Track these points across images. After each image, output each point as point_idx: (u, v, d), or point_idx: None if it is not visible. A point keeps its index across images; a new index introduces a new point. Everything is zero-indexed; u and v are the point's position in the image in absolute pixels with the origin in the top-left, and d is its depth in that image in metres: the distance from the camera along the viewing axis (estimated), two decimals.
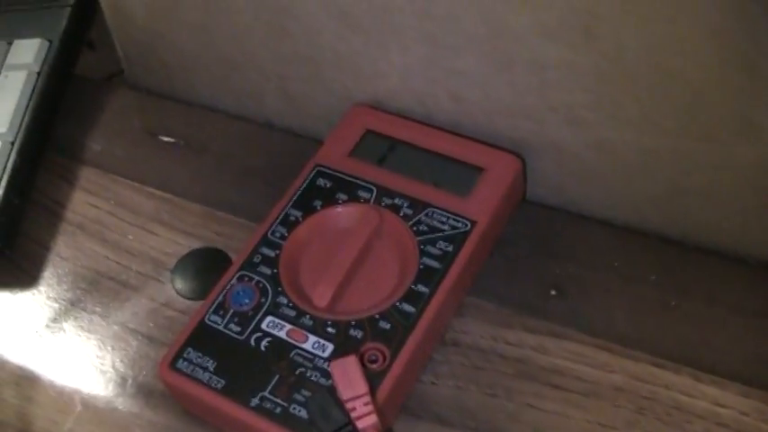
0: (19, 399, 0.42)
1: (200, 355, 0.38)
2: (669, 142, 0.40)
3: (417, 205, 0.42)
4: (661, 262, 0.43)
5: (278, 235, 0.42)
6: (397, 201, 0.42)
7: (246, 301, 0.40)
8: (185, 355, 0.38)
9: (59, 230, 0.48)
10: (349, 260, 0.40)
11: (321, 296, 0.39)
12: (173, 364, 0.38)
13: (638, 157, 0.42)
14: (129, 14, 0.52)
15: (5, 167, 0.47)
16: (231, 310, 0.39)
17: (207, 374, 0.38)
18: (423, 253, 0.40)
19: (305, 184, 0.44)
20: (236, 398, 0.37)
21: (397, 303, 0.39)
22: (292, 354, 0.38)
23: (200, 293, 0.43)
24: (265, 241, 0.42)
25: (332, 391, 0.36)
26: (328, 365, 0.37)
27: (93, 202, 0.49)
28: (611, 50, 0.38)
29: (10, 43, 0.53)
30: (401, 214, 0.42)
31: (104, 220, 0.48)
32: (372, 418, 0.34)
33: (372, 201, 0.42)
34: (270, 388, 0.37)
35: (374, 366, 0.37)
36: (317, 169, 0.44)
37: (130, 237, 0.47)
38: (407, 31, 0.43)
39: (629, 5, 0.36)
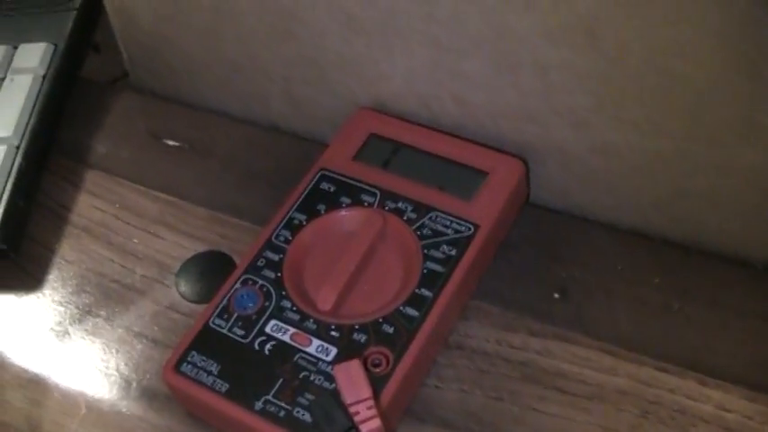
0: (24, 401, 0.42)
1: (204, 358, 0.38)
2: (673, 145, 0.40)
3: (421, 209, 0.42)
4: (664, 265, 0.43)
5: (282, 239, 0.42)
6: (400, 204, 0.42)
7: (250, 304, 0.40)
8: (189, 359, 0.38)
9: (64, 233, 0.48)
10: (353, 264, 0.40)
11: (325, 300, 0.39)
12: (177, 368, 0.38)
13: (642, 160, 0.42)
14: (135, 18, 0.52)
15: (11, 171, 0.47)
16: (235, 314, 0.40)
17: (211, 378, 0.38)
18: (426, 257, 0.40)
19: (309, 188, 0.44)
20: (239, 401, 0.37)
21: (401, 307, 0.39)
22: (296, 357, 0.38)
23: (204, 297, 0.43)
24: (269, 245, 0.42)
25: (335, 394, 0.36)
26: (332, 369, 0.37)
27: (98, 205, 0.49)
28: (615, 53, 0.38)
29: (16, 47, 0.54)
30: (405, 218, 0.42)
31: (109, 224, 0.48)
32: (376, 422, 0.34)
33: (376, 204, 0.42)
34: (274, 391, 0.37)
35: (378, 370, 0.37)
36: (320, 173, 0.44)
37: (135, 240, 0.47)
38: (412, 35, 0.43)
39: (632, 9, 0.36)
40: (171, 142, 0.52)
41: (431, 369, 0.40)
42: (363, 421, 0.34)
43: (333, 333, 0.38)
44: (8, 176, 0.47)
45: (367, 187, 0.43)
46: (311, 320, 0.39)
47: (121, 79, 0.58)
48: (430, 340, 0.38)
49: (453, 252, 0.40)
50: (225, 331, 0.39)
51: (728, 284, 0.42)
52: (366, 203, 0.43)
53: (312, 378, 0.37)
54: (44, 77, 0.52)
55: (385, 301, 0.39)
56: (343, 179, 0.44)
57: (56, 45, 0.53)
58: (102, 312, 0.44)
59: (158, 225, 0.48)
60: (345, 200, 0.43)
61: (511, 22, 0.40)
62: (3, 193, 0.47)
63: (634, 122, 0.40)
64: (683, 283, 0.42)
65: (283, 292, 0.40)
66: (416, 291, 0.39)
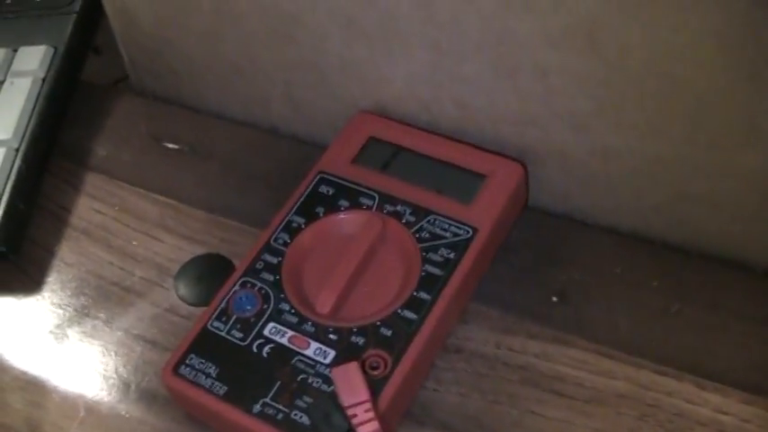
0: (23, 404, 0.42)
1: (202, 361, 0.38)
2: (673, 149, 0.40)
3: (420, 212, 0.42)
4: (663, 268, 0.43)
5: (280, 241, 0.42)
6: (399, 208, 0.42)
7: (249, 307, 0.40)
8: (188, 361, 0.38)
9: (64, 236, 0.48)
10: (351, 267, 0.40)
11: (323, 303, 0.39)
12: (175, 370, 0.38)
13: (643, 164, 0.42)
14: (135, 20, 0.52)
15: (10, 173, 0.48)
16: (234, 317, 0.40)
17: (209, 380, 0.38)
18: (425, 260, 0.40)
19: (308, 191, 0.44)
20: (238, 404, 0.37)
21: (399, 310, 0.39)
22: (294, 360, 0.38)
23: (203, 299, 0.43)
24: (268, 248, 0.42)
25: (333, 397, 0.36)
26: (330, 372, 0.37)
27: (98, 208, 0.49)
28: (615, 57, 0.38)
29: (15, 50, 0.53)
30: (404, 221, 0.42)
31: (109, 226, 0.48)
32: (374, 425, 0.34)
33: (375, 208, 0.42)
34: (272, 394, 0.37)
35: (376, 373, 0.37)
36: (319, 176, 0.44)
37: (135, 243, 0.47)
38: (412, 38, 0.43)
39: (632, 12, 0.36)
40: (171, 145, 0.52)
41: (430, 372, 0.40)
42: (361, 424, 0.34)
43: (331, 336, 0.38)
44: (7, 179, 0.47)
45: (366, 190, 0.43)
46: (309, 323, 0.39)
47: (122, 81, 0.58)
48: (428, 343, 0.38)
49: (452, 255, 0.40)
50: (223, 334, 0.39)
51: (727, 288, 0.42)
52: (365, 206, 0.43)
53: (310, 381, 0.37)
54: (44, 80, 0.52)
55: (383, 305, 0.39)
56: (342, 182, 0.44)
57: (56, 48, 0.53)
58: (102, 315, 0.44)
59: (158, 228, 0.48)
60: (344, 203, 0.43)
61: (511, 26, 0.40)
62: (2, 195, 0.47)
63: (634, 126, 0.40)
64: (682, 287, 0.42)
65: (282, 295, 0.40)
66: (415, 294, 0.39)
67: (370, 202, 0.43)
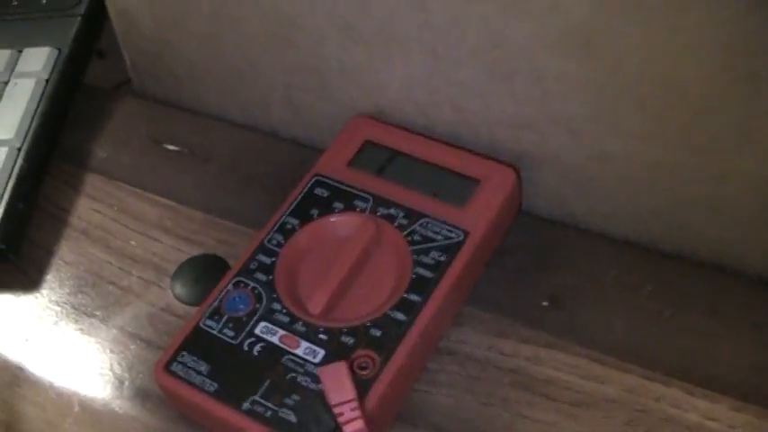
0: (18, 399, 0.42)
1: (194, 358, 0.39)
2: (669, 154, 0.41)
3: (413, 215, 0.42)
4: (657, 273, 0.43)
5: (274, 242, 0.42)
6: (392, 211, 0.42)
7: (241, 306, 0.40)
8: (180, 359, 0.39)
9: (64, 236, 0.49)
10: (344, 269, 0.41)
11: (315, 303, 0.40)
12: (167, 367, 0.39)
13: (639, 169, 0.42)
14: (136, 22, 0.53)
15: (12, 172, 0.48)
16: (226, 316, 0.40)
17: (200, 377, 0.38)
18: (416, 262, 0.40)
19: (303, 193, 0.44)
20: (227, 401, 0.37)
21: (389, 312, 0.39)
22: (284, 359, 0.38)
23: (199, 299, 0.44)
24: (262, 248, 0.42)
25: (321, 396, 0.36)
26: (317, 371, 0.37)
27: (97, 209, 0.50)
28: (611, 62, 0.39)
29: (20, 51, 0.54)
30: (396, 224, 0.42)
31: (108, 227, 0.49)
32: (359, 423, 0.34)
33: (369, 210, 0.43)
34: (261, 392, 0.37)
35: (364, 373, 0.37)
36: (315, 178, 0.45)
37: (133, 243, 0.48)
38: (409, 43, 0.44)
39: (627, 18, 0.37)
40: (171, 147, 0.53)
41: (422, 374, 0.40)
42: (347, 422, 0.34)
43: (321, 336, 0.39)
44: (9, 179, 0.48)
45: (360, 193, 0.44)
46: (301, 323, 0.39)
47: (124, 85, 0.58)
48: (418, 344, 0.38)
49: (443, 258, 0.40)
50: (215, 332, 0.39)
51: (722, 294, 0.42)
52: (359, 209, 0.43)
53: (299, 379, 0.37)
54: (47, 81, 0.52)
55: (375, 306, 0.40)
56: (337, 185, 0.44)
57: (60, 50, 0.54)
58: (98, 313, 0.45)
59: (156, 229, 0.48)
60: (338, 205, 0.43)
61: (507, 31, 0.40)
62: (3, 194, 0.47)
63: (630, 131, 0.41)
64: (676, 292, 0.42)
65: (274, 295, 0.40)
66: (405, 295, 0.39)
67: (364, 205, 0.43)
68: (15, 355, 0.44)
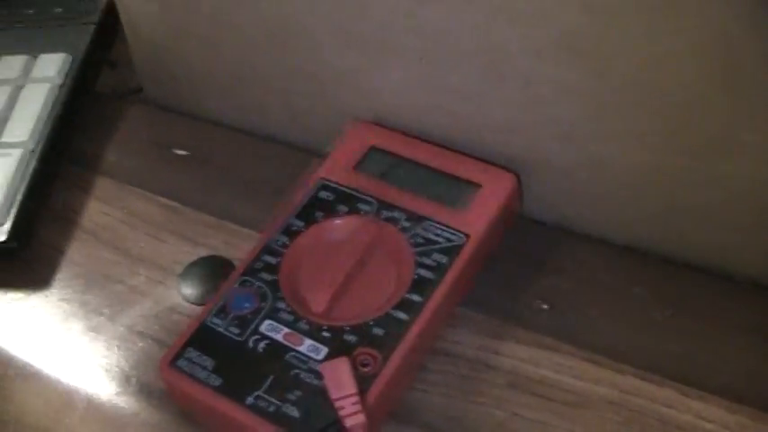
0: (26, 394, 0.43)
1: (200, 354, 0.40)
2: (656, 159, 0.41)
3: (415, 218, 0.43)
4: (650, 277, 0.44)
5: (280, 243, 0.43)
6: (395, 214, 0.44)
7: (247, 305, 0.41)
8: (186, 355, 0.40)
9: (73, 237, 0.50)
10: (346, 269, 0.42)
11: (318, 302, 0.41)
12: (173, 363, 0.40)
13: (628, 174, 0.43)
14: (140, 28, 0.54)
15: (25, 173, 0.49)
16: (232, 314, 0.41)
17: (205, 372, 0.39)
18: (418, 264, 0.41)
19: (309, 197, 0.45)
20: (232, 396, 0.38)
21: (391, 311, 0.40)
22: (288, 356, 0.39)
23: (205, 299, 0.45)
24: (267, 249, 0.43)
25: (324, 391, 0.37)
26: (319, 367, 0.38)
27: (106, 211, 0.51)
28: (599, 67, 0.39)
29: (35, 57, 0.56)
30: (399, 227, 0.43)
31: (116, 228, 0.50)
32: (360, 417, 0.35)
33: (372, 213, 0.44)
34: (265, 387, 0.38)
35: (366, 370, 0.38)
36: (321, 182, 0.46)
37: (141, 244, 0.49)
38: (402, 49, 0.44)
39: (614, 23, 0.37)
40: (179, 152, 0.54)
41: (418, 374, 0.41)
42: (348, 416, 0.35)
43: (324, 334, 0.40)
44: (22, 179, 0.49)
45: (364, 197, 0.45)
46: (304, 321, 0.40)
47: (135, 93, 0.60)
48: (417, 343, 0.39)
49: (444, 260, 0.41)
50: (221, 329, 0.40)
51: (714, 298, 0.43)
52: (362, 212, 0.44)
53: (302, 376, 0.38)
54: (61, 87, 0.54)
55: (377, 306, 0.41)
56: (342, 189, 0.45)
57: (73, 56, 0.55)
58: (106, 311, 0.46)
59: (163, 230, 0.49)
60: (343, 208, 0.44)
61: (496, 36, 0.41)
62: (17, 193, 0.48)
63: (618, 136, 0.41)
64: (669, 295, 0.43)
65: (279, 294, 0.41)
66: (407, 295, 0.40)
67: (368, 208, 0.44)
68: (24, 351, 0.45)
